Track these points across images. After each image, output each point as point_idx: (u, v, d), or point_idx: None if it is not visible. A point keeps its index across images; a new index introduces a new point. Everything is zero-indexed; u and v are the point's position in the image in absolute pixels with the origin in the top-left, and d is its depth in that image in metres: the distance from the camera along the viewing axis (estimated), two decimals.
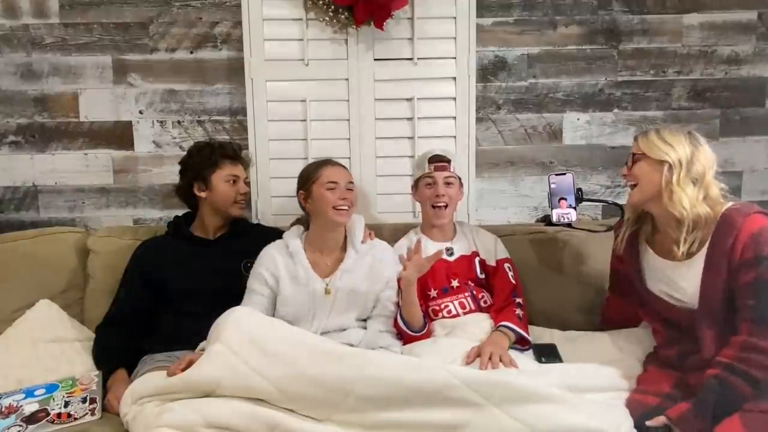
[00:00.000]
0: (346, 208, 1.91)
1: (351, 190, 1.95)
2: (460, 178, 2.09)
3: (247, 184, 2.17)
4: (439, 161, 2.03)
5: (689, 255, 1.61)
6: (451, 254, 2.08)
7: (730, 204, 1.59)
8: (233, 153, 2.14)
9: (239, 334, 1.60)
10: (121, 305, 2.01)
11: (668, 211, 1.60)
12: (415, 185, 2.11)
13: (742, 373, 1.44)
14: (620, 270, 1.85)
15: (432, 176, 2.02)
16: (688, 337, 1.61)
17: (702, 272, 1.57)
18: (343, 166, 2.01)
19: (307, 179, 1.98)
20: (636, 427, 1.48)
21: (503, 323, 1.89)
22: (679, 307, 1.65)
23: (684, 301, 1.64)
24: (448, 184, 2.03)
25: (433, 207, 2.03)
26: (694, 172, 1.59)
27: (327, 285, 1.91)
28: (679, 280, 1.64)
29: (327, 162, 2.00)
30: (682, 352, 1.62)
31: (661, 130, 1.65)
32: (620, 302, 1.90)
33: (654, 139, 1.63)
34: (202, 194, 2.09)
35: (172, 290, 1.97)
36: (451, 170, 2.04)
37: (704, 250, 1.58)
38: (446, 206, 2.03)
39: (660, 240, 1.70)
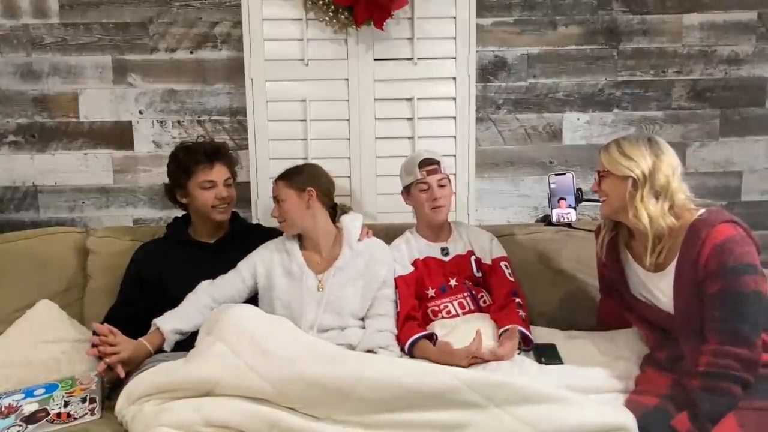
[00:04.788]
0: (279, 222, 2.00)
1: (277, 203, 1.99)
2: (449, 178, 2.09)
3: (230, 185, 2.06)
4: (429, 164, 2.02)
5: (660, 266, 1.62)
6: (447, 254, 2.08)
7: (699, 213, 1.58)
8: (204, 157, 2.02)
9: (240, 334, 1.60)
10: (120, 308, 1.99)
11: (635, 224, 1.62)
12: (407, 190, 2.10)
13: (722, 375, 1.45)
14: (605, 274, 1.85)
15: (426, 181, 2.01)
16: (675, 340, 1.61)
17: (673, 284, 1.58)
18: (278, 179, 2.02)
19: None
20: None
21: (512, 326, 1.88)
22: (659, 311, 1.66)
23: (661, 307, 1.65)
24: (441, 185, 2.03)
25: (431, 209, 2.03)
26: (657, 185, 1.58)
27: (320, 281, 1.93)
28: (654, 289, 1.66)
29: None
30: (672, 355, 1.63)
31: (622, 142, 1.65)
32: (612, 304, 1.90)
33: (615, 155, 1.64)
34: (184, 200, 2.08)
35: (171, 294, 1.95)
36: (442, 171, 2.04)
37: (675, 262, 1.58)
38: (443, 206, 2.03)
39: (636, 246, 1.71)
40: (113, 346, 1.75)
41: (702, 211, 1.59)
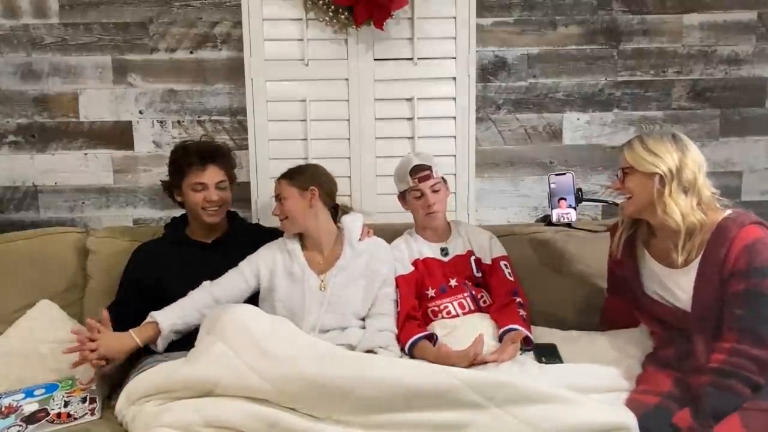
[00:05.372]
0: (280, 220, 2.00)
1: (279, 201, 1.99)
2: (443, 178, 2.08)
3: (223, 189, 2.03)
4: (421, 171, 2.01)
5: (685, 263, 1.61)
6: (446, 254, 2.08)
7: (727, 213, 1.59)
8: (197, 159, 2.00)
9: (241, 334, 1.60)
10: (117, 308, 1.98)
11: (664, 221, 1.60)
12: (402, 196, 2.10)
13: (734, 374, 1.45)
14: (617, 272, 1.85)
15: (419, 188, 2.01)
16: (685, 338, 1.61)
17: (695, 280, 1.58)
18: (280, 178, 2.02)
19: None
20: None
21: (512, 326, 1.87)
22: (674, 309, 1.66)
23: (678, 305, 1.65)
24: (435, 191, 2.02)
25: (427, 215, 2.03)
26: (685, 180, 1.58)
27: (322, 281, 1.94)
28: (674, 286, 1.65)
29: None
30: (680, 354, 1.63)
31: (646, 138, 1.64)
32: (619, 303, 1.90)
33: (640, 152, 1.62)
34: (179, 200, 2.08)
35: (169, 294, 1.93)
36: (434, 175, 2.02)
37: (699, 259, 1.58)
38: (437, 211, 2.03)
39: (657, 245, 1.70)
40: (92, 341, 1.72)
41: (729, 211, 1.59)
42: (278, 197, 2.00)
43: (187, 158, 2.02)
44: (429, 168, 2.02)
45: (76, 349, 1.72)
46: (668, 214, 1.58)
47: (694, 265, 1.59)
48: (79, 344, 1.72)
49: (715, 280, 1.54)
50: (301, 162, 2.18)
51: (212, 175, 2.02)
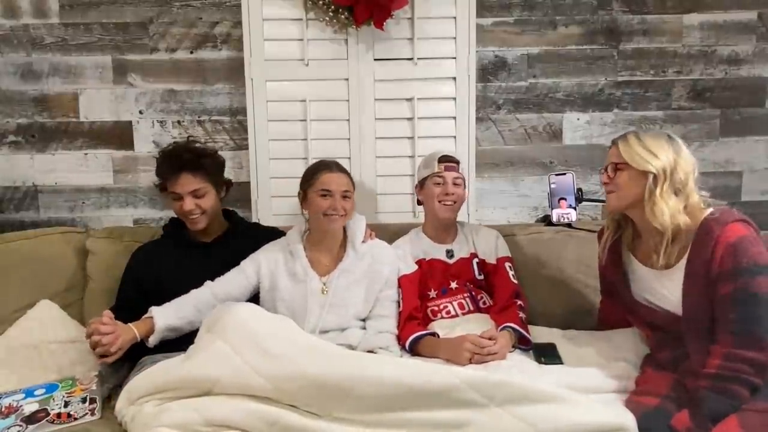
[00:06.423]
0: (336, 215, 1.92)
1: (347, 197, 1.93)
2: (465, 180, 2.10)
3: (201, 196, 1.95)
4: (449, 161, 2.06)
5: (669, 265, 1.60)
6: (452, 256, 2.08)
7: (709, 212, 1.56)
8: (169, 168, 1.95)
9: (241, 333, 1.60)
10: (118, 312, 1.96)
11: (648, 221, 1.59)
12: (421, 184, 2.11)
13: (732, 379, 1.44)
14: (606, 276, 1.85)
15: (442, 175, 2.04)
16: (678, 341, 1.60)
17: (683, 283, 1.57)
18: (344, 172, 1.98)
19: (304, 181, 1.99)
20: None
21: (508, 324, 1.89)
22: (664, 313, 1.65)
23: (667, 308, 1.63)
24: (456, 184, 2.04)
25: (440, 203, 2.03)
26: (677, 182, 1.56)
27: (324, 284, 1.93)
28: (661, 288, 1.64)
29: (326, 167, 1.97)
30: (675, 356, 1.62)
31: (642, 135, 1.62)
32: (613, 305, 1.90)
33: (636, 148, 1.60)
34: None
35: (170, 295, 1.93)
36: (459, 172, 2.06)
37: (684, 260, 1.57)
38: (454, 203, 2.04)
39: (642, 247, 1.69)
40: (110, 334, 1.73)
41: (711, 209, 1.58)
42: (346, 194, 1.94)
43: (162, 166, 1.99)
44: (457, 162, 2.08)
45: (111, 334, 1.73)
46: (655, 214, 1.56)
47: (681, 267, 1.58)
48: (112, 326, 1.74)
49: (703, 282, 1.53)
50: (301, 161, 2.17)
51: (185, 184, 1.94)
